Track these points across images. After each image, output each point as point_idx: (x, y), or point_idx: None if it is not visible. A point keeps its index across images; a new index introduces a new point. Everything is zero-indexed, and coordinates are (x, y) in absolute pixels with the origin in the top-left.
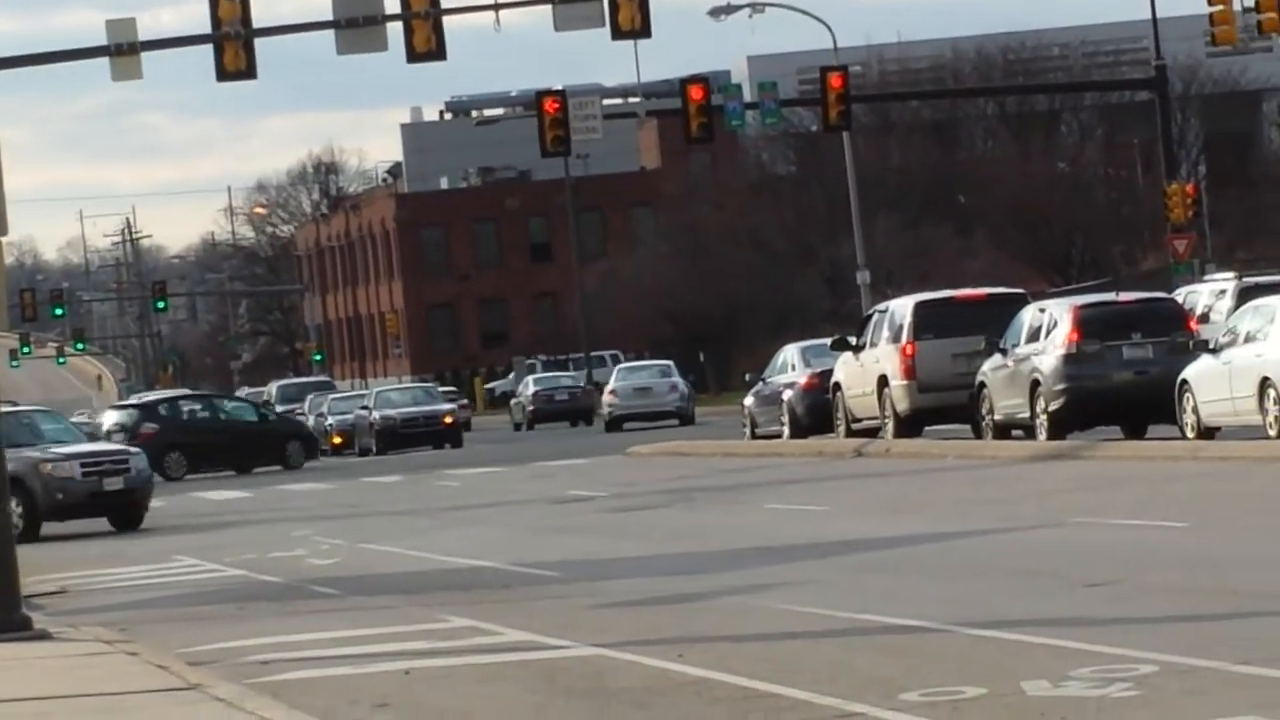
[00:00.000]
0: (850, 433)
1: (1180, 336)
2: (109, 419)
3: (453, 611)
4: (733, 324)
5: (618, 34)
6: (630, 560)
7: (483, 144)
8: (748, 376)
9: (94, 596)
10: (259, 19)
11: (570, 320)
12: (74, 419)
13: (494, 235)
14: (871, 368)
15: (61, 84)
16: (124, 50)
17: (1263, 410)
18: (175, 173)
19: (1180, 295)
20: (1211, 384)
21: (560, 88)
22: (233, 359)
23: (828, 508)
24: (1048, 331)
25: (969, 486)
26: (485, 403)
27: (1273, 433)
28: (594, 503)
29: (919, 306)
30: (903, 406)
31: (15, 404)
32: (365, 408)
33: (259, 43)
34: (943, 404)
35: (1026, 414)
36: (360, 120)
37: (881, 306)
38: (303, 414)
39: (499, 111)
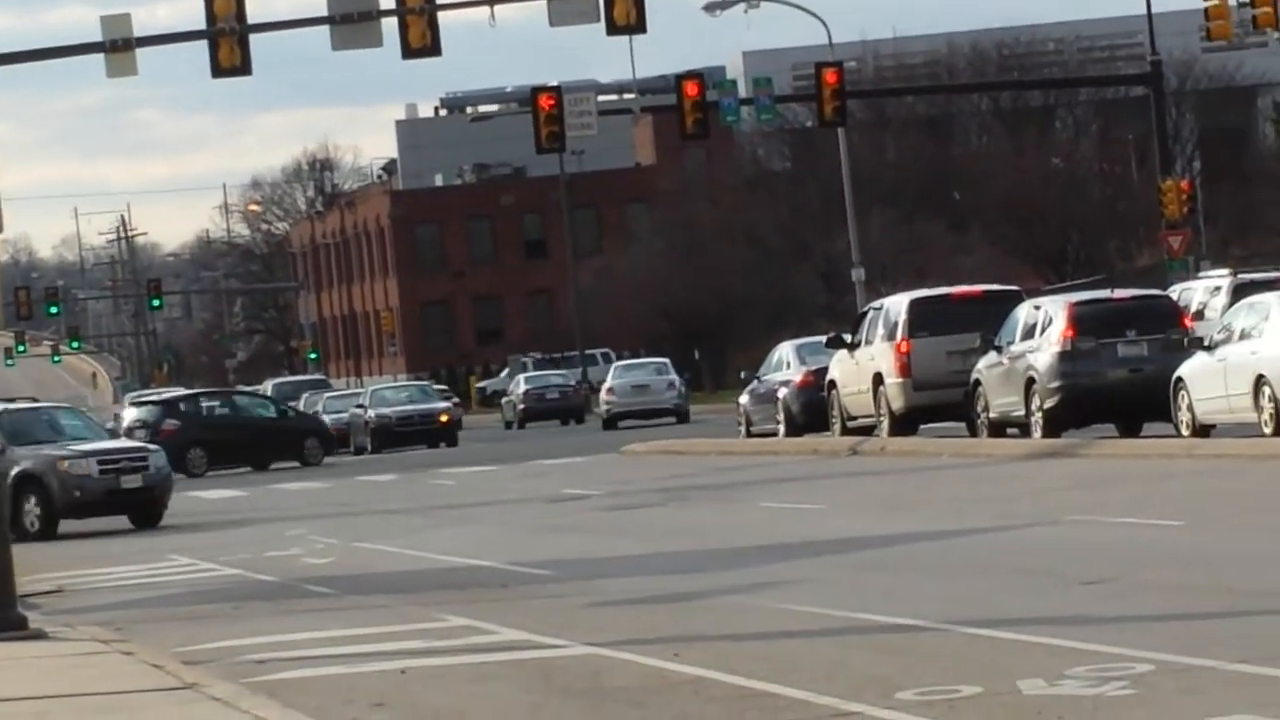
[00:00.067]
0: (845, 431)
1: (1175, 334)
2: (129, 415)
3: (449, 610)
4: (728, 321)
5: (613, 29)
6: (626, 559)
7: (477, 140)
8: (743, 374)
9: (90, 596)
10: (254, 15)
11: (565, 317)
12: None
13: (489, 232)
14: (867, 365)
15: (56, 80)
16: (119, 46)
17: (1258, 407)
18: (170, 170)
19: (1175, 292)
20: (1206, 381)
21: (555, 84)
22: (228, 357)
23: (823, 506)
24: (1043, 329)
25: (964, 484)
26: (476, 401)
27: (1268, 430)
28: (589, 501)
29: (914, 304)
30: (898, 404)
31: (35, 400)
32: (360, 406)
33: (254, 39)
34: (938, 402)
35: (1022, 412)
36: (355, 117)
37: (876, 304)
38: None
39: (494, 108)
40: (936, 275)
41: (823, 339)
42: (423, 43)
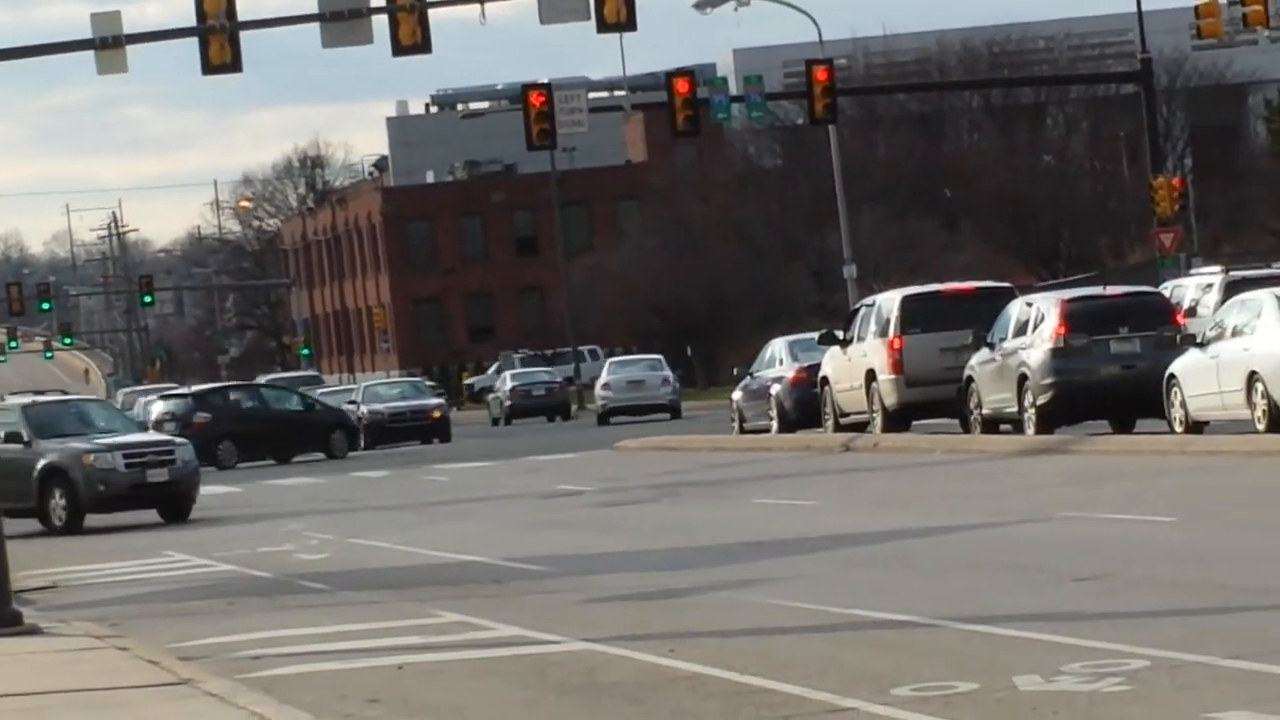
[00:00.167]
0: (838, 427)
1: (1167, 330)
2: (157, 408)
3: (443, 607)
4: (720, 318)
5: (603, 27)
6: (619, 555)
7: (468, 137)
8: (735, 371)
9: (85, 592)
10: (244, 12)
11: (557, 314)
12: None
13: (480, 229)
14: (859, 362)
15: (47, 77)
16: (109, 43)
17: (1250, 404)
18: (161, 166)
19: (1167, 289)
20: (1199, 378)
21: (546, 81)
22: (220, 353)
23: (816, 502)
24: (1035, 325)
25: (957, 481)
26: (465, 398)
27: (1260, 426)
28: (583, 497)
29: (906, 300)
30: (890, 401)
31: (65, 393)
32: (353, 402)
33: (244, 36)
34: (930, 398)
35: (1014, 408)
36: (346, 114)
37: (869, 300)
38: None
39: (484, 105)
40: (928, 272)
41: (815, 335)
42: (413, 40)
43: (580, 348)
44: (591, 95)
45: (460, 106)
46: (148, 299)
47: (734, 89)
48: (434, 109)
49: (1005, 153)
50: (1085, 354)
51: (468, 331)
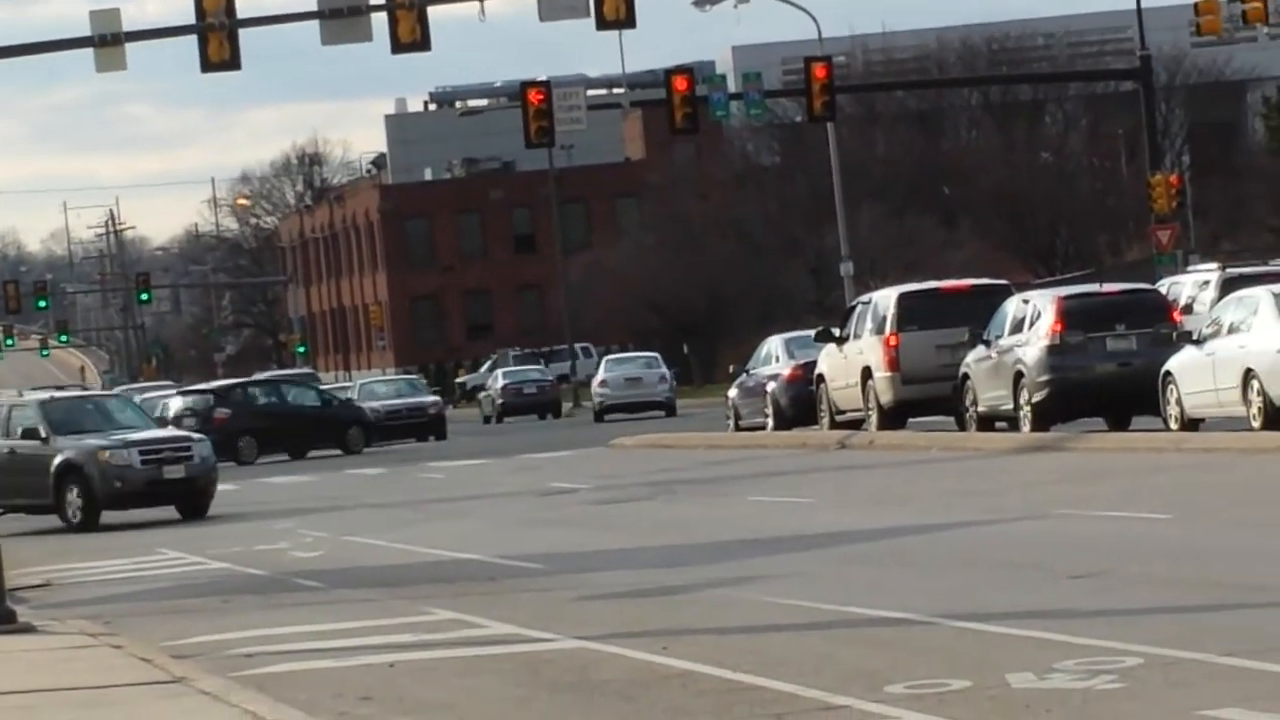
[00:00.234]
0: (834, 424)
1: (1164, 328)
2: (176, 404)
3: (437, 604)
4: (717, 315)
5: (602, 24)
6: (614, 553)
7: (467, 135)
8: (732, 368)
9: (78, 590)
10: (243, 9)
11: (555, 312)
12: None
13: (478, 226)
14: (855, 359)
15: (45, 75)
16: (108, 41)
17: (1246, 401)
18: (159, 164)
19: (1164, 286)
20: (1195, 375)
21: (545, 78)
22: (216, 351)
23: (811, 500)
24: (1031, 323)
25: (953, 478)
26: (457, 396)
27: (1256, 424)
28: (578, 495)
29: (903, 298)
30: (886, 398)
31: (85, 389)
32: (349, 400)
33: (243, 33)
34: (926, 396)
35: (1010, 406)
36: (344, 111)
37: (865, 298)
38: None
39: (483, 102)
40: (926, 269)
41: (811, 333)
42: (412, 37)
43: (574, 345)
44: (590, 93)
45: (459, 104)
46: (145, 297)
47: (733, 86)
48: (432, 106)
49: (1004, 150)
50: (1081, 351)
51: (465, 329)
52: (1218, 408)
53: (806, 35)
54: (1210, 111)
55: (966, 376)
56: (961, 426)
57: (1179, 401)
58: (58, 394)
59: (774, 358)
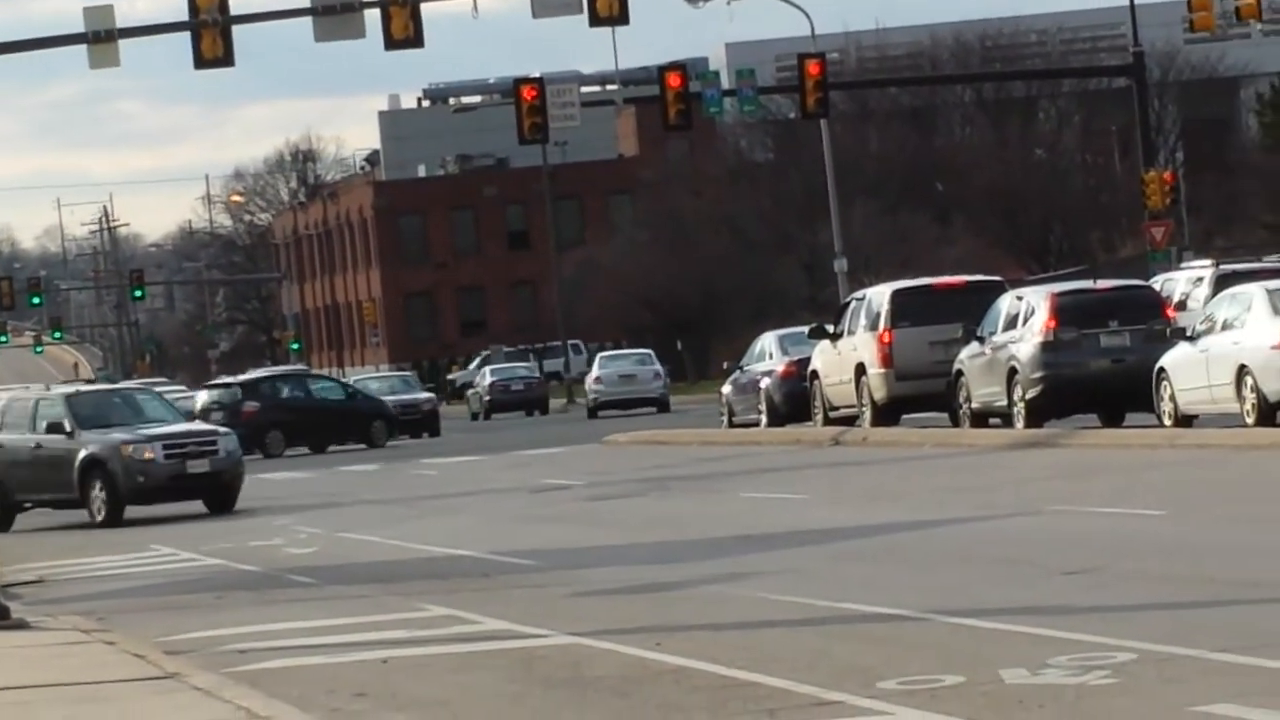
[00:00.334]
0: (828, 421)
1: (1158, 324)
2: (202, 397)
3: (431, 600)
4: (711, 312)
5: (595, 21)
6: (608, 549)
7: (460, 131)
8: (725, 365)
9: (72, 586)
10: (236, 6)
11: (548, 308)
12: None
13: (472, 223)
14: (849, 356)
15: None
16: (101, 38)
17: (1240, 398)
18: (152, 161)
19: (1157, 283)
20: (1189, 372)
21: (538, 75)
22: (210, 348)
23: (805, 496)
24: (1025, 319)
25: (946, 475)
26: (447, 393)
27: (1250, 420)
28: (571, 492)
29: (896, 294)
30: (880, 394)
31: (112, 381)
32: None
33: (236, 30)
34: (920, 392)
35: (1004, 402)
36: (338, 108)
37: (859, 294)
38: None
39: (477, 99)
40: (920, 266)
41: (805, 329)
42: (405, 34)
43: (565, 342)
44: (583, 89)
45: (452, 100)
46: (138, 293)
47: (726, 83)
48: (426, 103)
49: (997, 146)
50: (1075, 348)
51: (459, 325)
52: (1211, 404)
53: (800, 32)
54: (1203, 108)
55: (960, 373)
56: (955, 423)
57: (1173, 398)
58: (84, 388)
59: (768, 354)
